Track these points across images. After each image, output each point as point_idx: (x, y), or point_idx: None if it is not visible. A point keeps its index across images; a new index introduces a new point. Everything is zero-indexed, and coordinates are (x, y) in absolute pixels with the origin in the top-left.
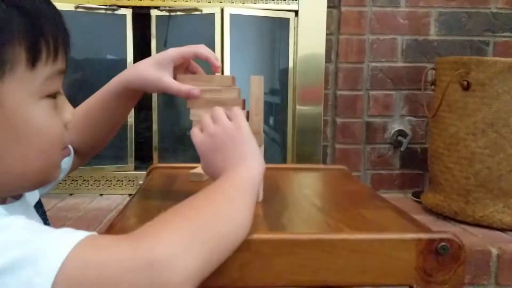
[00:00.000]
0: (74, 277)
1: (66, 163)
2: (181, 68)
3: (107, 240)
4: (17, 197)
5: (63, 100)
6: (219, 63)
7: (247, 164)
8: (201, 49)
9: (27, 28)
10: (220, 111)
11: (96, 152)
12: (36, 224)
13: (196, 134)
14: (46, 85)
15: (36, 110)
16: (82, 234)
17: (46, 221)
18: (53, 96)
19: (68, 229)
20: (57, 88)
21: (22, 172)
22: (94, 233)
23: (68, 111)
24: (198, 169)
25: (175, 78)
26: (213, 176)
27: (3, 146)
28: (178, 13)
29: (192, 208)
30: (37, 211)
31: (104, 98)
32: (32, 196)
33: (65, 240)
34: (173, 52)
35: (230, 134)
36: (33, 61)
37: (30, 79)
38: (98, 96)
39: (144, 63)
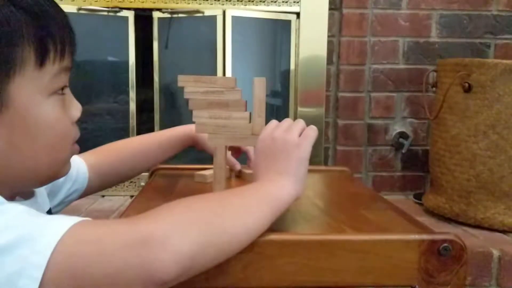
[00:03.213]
0: (69, 253)
1: (81, 181)
2: None
3: (104, 221)
4: (27, 197)
5: (70, 97)
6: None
7: (283, 183)
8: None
9: (36, 30)
10: (300, 123)
11: (117, 182)
12: (33, 210)
13: (267, 129)
14: (53, 82)
15: (45, 106)
16: (77, 218)
17: None
18: (61, 93)
19: (63, 215)
20: (64, 83)
21: (32, 167)
22: (88, 218)
23: (76, 108)
24: (204, 171)
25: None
26: (254, 174)
27: (14, 142)
28: (180, 15)
29: (202, 199)
30: None
31: (167, 142)
32: (43, 201)
33: (61, 222)
34: None
35: (288, 148)
36: (41, 60)
37: (38, 77)
38: (161, 137)
39: None
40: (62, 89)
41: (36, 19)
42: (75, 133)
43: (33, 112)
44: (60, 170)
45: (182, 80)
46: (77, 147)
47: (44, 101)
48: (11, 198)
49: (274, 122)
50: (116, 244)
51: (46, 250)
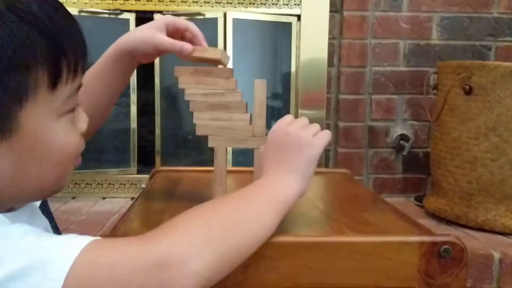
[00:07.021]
0: (84, 279)
1: None
2: (175, 37)
3: (116, 241)
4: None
5: (78, 110)
6: (205, 44)
7: (291, 183)
8: (193, 26)
9: (49, 50)
10: (316, 126)
11: (96, 127)
12: (38, 230)
13: (281, 122)
14: (66, 104)
15: (56, 128)
16: (87, 239)
17: (52, 221)
18: (72, 111)
19: (72, 234)
20: (75, 102)
21: (38, 187)
22: (98, 237)
23: (83, 121)
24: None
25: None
26: (260, 165)
27: (22, 166)
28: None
29: (214, 212)
30: (42, 211)
31: (101, 67)
32: None
33: (71, 244)
34: (168, 17)
35: (300, 144)
36: (54, 82)
37: (51, 100)
38: (96, 66)
39: (139, 27)
40: (73, 108)
41: (49, 38)
42: (82, 146)
43: (43, 137)
44: (64, 184)
45: (183, 82)
46: (79, 159)
47: (55, 124)
48: (10, 209)
49: (289, 116)
50: (133, 268)
51: (59, 277)
